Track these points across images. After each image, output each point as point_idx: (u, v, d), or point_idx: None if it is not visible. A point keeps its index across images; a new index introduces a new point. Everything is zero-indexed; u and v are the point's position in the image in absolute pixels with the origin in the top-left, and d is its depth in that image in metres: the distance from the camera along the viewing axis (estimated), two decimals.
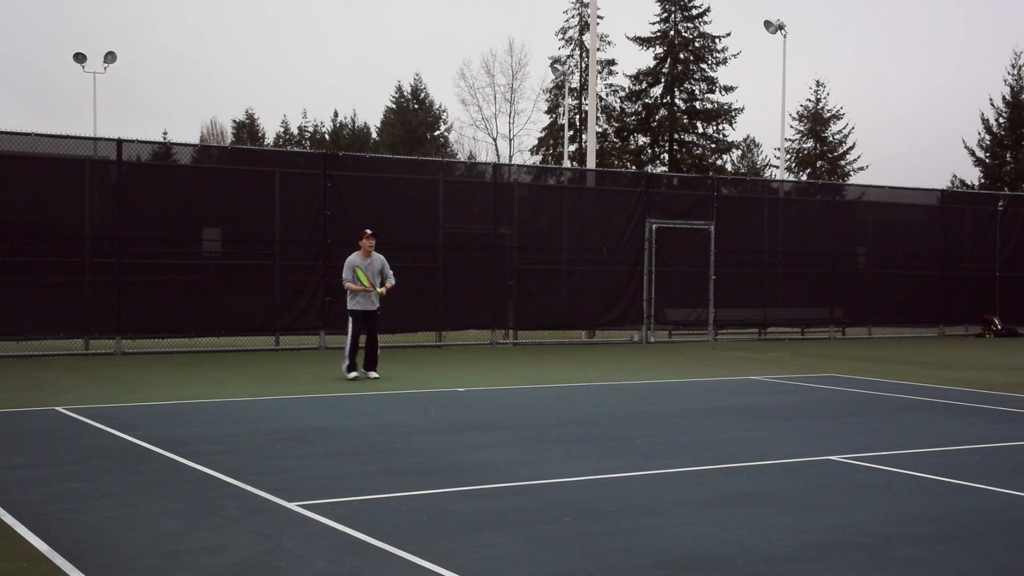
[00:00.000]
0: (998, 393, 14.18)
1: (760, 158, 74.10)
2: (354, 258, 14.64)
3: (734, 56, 53.21)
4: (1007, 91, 51.68)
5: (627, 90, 54.42)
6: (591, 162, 26.26)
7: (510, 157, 58.82)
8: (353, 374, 14.45)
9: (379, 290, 14.59)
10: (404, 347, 20.35)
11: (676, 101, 53.68)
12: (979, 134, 52.26)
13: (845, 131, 58.88)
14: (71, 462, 8.41)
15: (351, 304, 14.65)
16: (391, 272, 14.84)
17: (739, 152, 66.40)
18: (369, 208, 20.15)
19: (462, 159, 58.19)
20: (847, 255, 25.65)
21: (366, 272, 14.54)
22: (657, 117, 53.66)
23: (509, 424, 10.77)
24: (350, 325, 14.65)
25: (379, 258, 14.76)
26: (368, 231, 14.84)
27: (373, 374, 14.77)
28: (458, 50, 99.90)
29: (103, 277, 18.10)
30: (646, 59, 79.35)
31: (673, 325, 23.59)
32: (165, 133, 67.12)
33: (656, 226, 22.90)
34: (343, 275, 14.68)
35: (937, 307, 26.66)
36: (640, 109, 54.15)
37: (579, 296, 22.70)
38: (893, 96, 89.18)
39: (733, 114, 53.63)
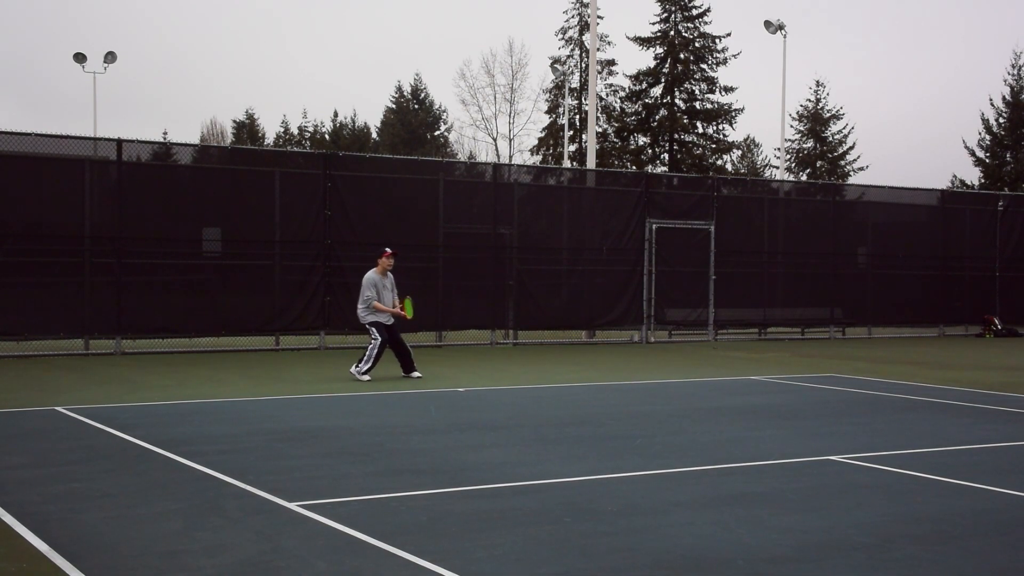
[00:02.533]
0: (998, 393, 14.18)
1: (760, 158, 74.16)
2: (375, 276, 14.84)
3: (734, 56, 53.26)
4: (1007, 91, 51.68)
5: (627, 90, 54.44)
6: (591, 162, 26.26)
7: (510, 157, 58.87)
8: (367, 377, 14.48)
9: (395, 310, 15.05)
10: None
11: (676, 101, 53.68)
12: (979, 134, 52.28)
13: (845, 131, 58.92)
14: (71, 462, 8.41)
15: (374, 317, 14.80)
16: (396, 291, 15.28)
17: (739, 152, 66.42)
18: (369, 208, 20.16)
19: (462, 159, 58.20)
20: (847, 255, 25.65)
21: (383, 290, 14.88)
22: (657, 117, 53.66)
23: (509, 424, 10.77)
24: (378, 334, 14.71)
25: (391, 277, 15.11)
26: (388, 250, 15.08)
27: (416, 374, 14.95)
28: (458, 50, 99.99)
29: (103, 277, 18.09)
30: (646, 59, 79.42)
31: (673, 325, 23.59)
32: (165, 133, 67.15)
33: (656, 226, 22.90)
34: (368, 293, 14.75)
35: (937, 307, 26.65)
36: (640, 109, 54.15)
37: (579, 296, 22.69)
38: (893, 96, 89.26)
39: (733, 114, 53.65)
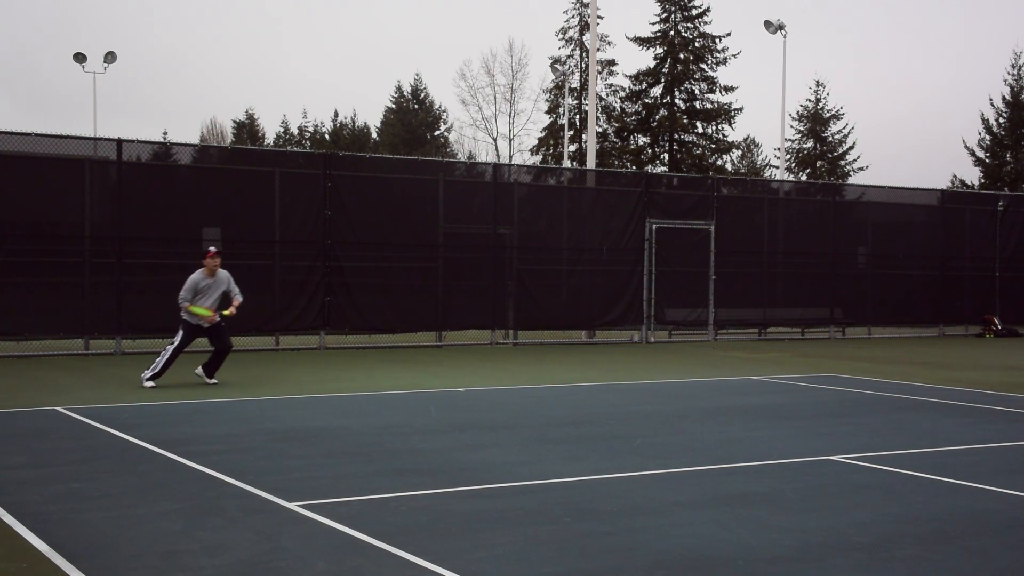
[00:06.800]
0: (998, 393, 14.18)
1: (760, 158, 74.17)
2: (197, 277, 13.59)
3: (734, 56, 53.29)
4: (1007, 91, 51.72)
5: (627, 90, 54.45)
6: (591, 162, 26.26)
7: (510, 157, 58.87)
8: (152, 384, 13.38)
9: (225, 312, 13.82)
10: (404, 347, 20.36)
11: (676, 101, 53.68)
12: (979, 134, 52.32)
13: (845, 131, 58.95)
14: (71, 462, 8.41)
15: (186, 316, 13.71)
16: (237, 289, 13.90)
17: (739, 152, 66.42)
18: (369, 208, 20.15)
19: (462, 159, 58.19)
20: (847, 255, 25.65)
21: (207, 291, 13.64)
22: (657, 117, 53.67)
23: (509, 424, 10.77)
24: (180, 337, 13.63)
25: (225, 276, 13.84)
26: (212, 249, 13.94)
27: (212, 380, 13.88)
28: (458, 50, 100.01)
29: (103, 277, 18.09)
30: (646, 59, 79.35)
31: (673, 325, 23.59)
32: (165, 133, 67.27)
33: (656, 226, 22.90)
34: (181, 295, 13.60)
35: (937, 307, 26.65)
36: (640, 109, 54.16)
37: (579, 296, 22.69)
38: (893, 96, 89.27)
39: (733, 114, 53.66)
